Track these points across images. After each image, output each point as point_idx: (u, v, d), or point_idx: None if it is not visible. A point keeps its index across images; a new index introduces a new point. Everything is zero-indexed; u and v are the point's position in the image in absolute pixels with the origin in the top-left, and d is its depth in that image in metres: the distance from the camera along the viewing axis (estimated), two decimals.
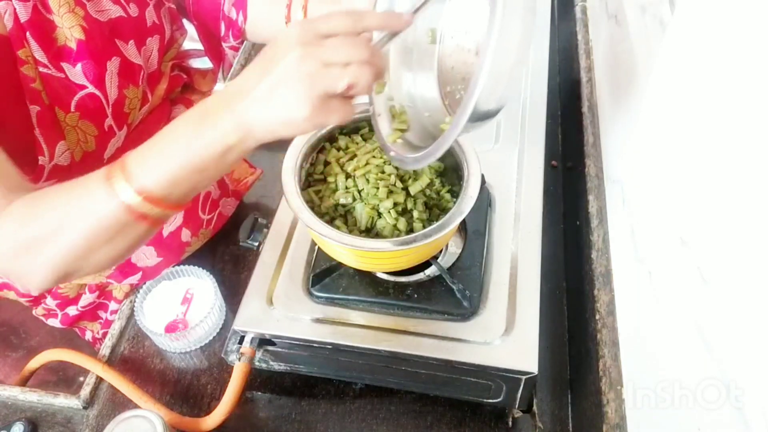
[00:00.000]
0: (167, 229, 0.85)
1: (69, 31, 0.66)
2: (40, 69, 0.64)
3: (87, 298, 0.90)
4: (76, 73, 0.67)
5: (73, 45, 0.66)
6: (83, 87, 0.67)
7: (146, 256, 0.85)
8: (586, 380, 0.68)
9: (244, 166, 1.01)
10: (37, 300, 0.89)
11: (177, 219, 0.85)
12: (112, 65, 0.70)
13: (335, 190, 0.68)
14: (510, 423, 0.70)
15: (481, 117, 0.50)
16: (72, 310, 0.91)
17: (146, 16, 0.75)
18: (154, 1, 0.76)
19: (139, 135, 0.78)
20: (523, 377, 0.63)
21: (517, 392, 0.65)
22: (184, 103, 0.89)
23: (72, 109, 0.66)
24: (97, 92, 0.68)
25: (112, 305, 0.92)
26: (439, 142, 0.53)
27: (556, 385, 0.73)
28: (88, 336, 0.97)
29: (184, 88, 0.90)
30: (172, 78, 0.84)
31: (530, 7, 0.47)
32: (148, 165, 0.50)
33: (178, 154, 0.50)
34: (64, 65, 0.66)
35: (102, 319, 0.95)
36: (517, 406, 0.67)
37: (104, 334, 0.85)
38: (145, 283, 0.83)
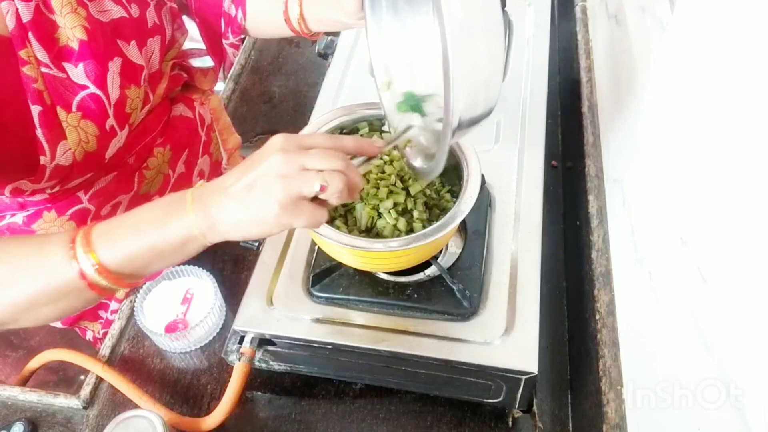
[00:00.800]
0: None
1: (71, 31, 0.66)
2: (42, 69, 0.64)
3: None
4: (77, 73, 0.67)
5: (75, 45, 0.66)
6: (85, 87, 0.67)
7: None
8: (586, 380, 0.68)
9: None
10: None
11: None
12: (114, 65, 0.70)
13: None
14: (510, 423, 0.70)
15: (471, 123, 0.50)
16: None
17: (147, 16, 0.75)
18: (154, 1, 0.76)
19: (139, 134, 0.78)
20: (523, 377, 0.63)
21: (517, 392, 0.65)
22: (184, 101, 0.89)
23: (74, 109, 0.66)
24: (99, 92, 0.68)
25: (113, 305, 0.92)
26: (436, 160, 0.55)
27: (556, 385, 0.73)
28: (89, 336, 0.97)
29: (184, 87, 0.90)
30: (172, 77, 0.84)
31: (496, 32, 0.47)
32: (110, 237, 0.51)
33: (142, 233, 0.51)
34: (66, 65, 0.66)
35: (102, 318, 0.95)
36: (517, 406, 0.67)
37: (105, 334, 0.85)
38: (145, 282, 0.83)
